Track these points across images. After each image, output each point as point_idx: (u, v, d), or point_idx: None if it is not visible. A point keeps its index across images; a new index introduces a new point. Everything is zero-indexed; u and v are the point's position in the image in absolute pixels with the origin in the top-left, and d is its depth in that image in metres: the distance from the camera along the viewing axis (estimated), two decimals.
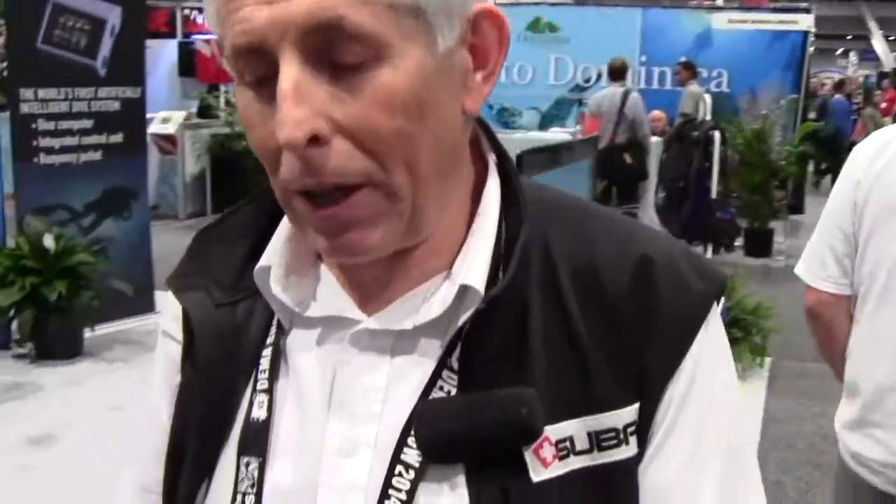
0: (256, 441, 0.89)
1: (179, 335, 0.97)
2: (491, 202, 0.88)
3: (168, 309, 1.01)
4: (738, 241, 10.48)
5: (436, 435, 0.82)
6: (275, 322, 0.92)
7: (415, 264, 0.87)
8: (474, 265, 0.84)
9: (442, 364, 0.84)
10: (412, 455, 0.82)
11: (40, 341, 6.23)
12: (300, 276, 0.90)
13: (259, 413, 0.89)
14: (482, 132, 0.92)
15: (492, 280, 0.84)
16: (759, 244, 10.57)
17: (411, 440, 0.82)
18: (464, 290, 0.83)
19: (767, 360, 6.49)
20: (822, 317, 2.35)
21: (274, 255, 0.89)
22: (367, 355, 0.87)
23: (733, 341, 5.78)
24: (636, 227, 0.92)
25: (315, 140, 0.75)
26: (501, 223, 0.87)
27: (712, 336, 0.87)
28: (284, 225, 0.91)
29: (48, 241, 6.21)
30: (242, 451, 0.89)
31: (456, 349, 0.83)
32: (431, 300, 0.86)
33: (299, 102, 0.74)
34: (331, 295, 0.90)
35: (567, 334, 0.84)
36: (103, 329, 6.51)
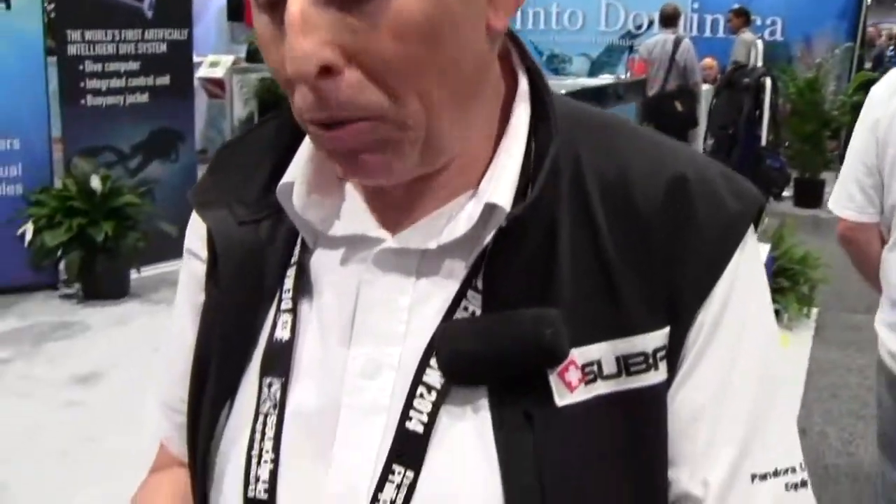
0: (279, 362, 0.87)
1: (203, 253, 0.95)
2: (520, 118, 0.85)
3: (192, 227, 1.00)
4: (788, 192, 10.34)
5: (455, 355, 0.79)
6: (299, 241, 0.90)
7: (441, 185, 0.84)
8: (501, 183, 0.81)
9: (466, 284, 0.81)
10: (434, 376, 0.80)
11: (87, 282, 6.30)
12: (324, 194, 0.88)
13: (282, 333, 0.87)
14: (513, 46, 0.88)
15: (520, 197, 0.80)
16: (810, 194, 10.40)
17: (433, 361, 0.80)
18: (490, 209, 0.80)
19: (814, 310, 6.42)
20: (853, 242, 2.61)
21: (297, 171, 0.87)
22: (391, 275, 0.84)
23: (780, 291, 5.72)
24: (672, 145, 0.88)
25: (327, 70, 0.71)
26: (531, 139, 0.84)
27: (748, 259, 0.84)
28: (309, 140, 0.89)
29: (95, 183, 6.25)
30: (265, 371, 0.88)
31: (481, 269, 0.81)
32: (457, 219, 0.83)
33: (308, 32, 0.70)
34: (355, 213, 0.88)
35: (596, 251, 0.81)
36: (149, 270, 6.55)
